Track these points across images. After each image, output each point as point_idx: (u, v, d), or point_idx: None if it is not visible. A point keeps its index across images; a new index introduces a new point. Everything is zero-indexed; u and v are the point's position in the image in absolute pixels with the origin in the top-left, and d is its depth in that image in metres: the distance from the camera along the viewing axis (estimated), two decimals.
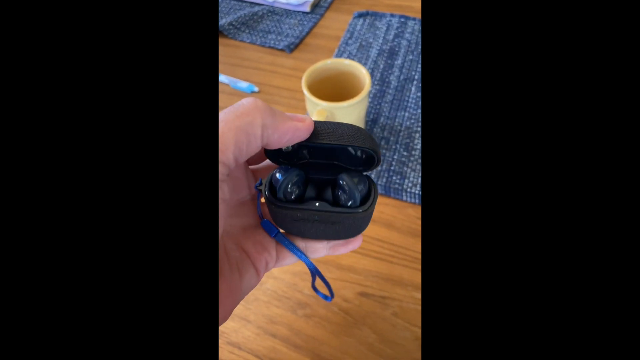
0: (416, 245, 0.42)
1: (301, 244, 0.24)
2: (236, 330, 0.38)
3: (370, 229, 0.43)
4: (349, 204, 0.21)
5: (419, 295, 0.39)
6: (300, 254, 0.23)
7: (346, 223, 0.21)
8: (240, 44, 0.67)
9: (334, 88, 0.48)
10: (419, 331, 0.37)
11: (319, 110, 0.43)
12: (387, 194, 0.46)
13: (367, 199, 0.21)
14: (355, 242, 0.24)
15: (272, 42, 0.66)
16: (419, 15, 0.68)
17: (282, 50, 0.65)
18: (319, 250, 0.24)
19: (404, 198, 0.46)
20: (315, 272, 0.24)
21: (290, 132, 0.19)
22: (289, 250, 0.23)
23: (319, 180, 0.23)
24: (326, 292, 0.39)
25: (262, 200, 0.24)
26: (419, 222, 0.44)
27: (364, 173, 0.22)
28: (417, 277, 0.40)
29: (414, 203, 0.45)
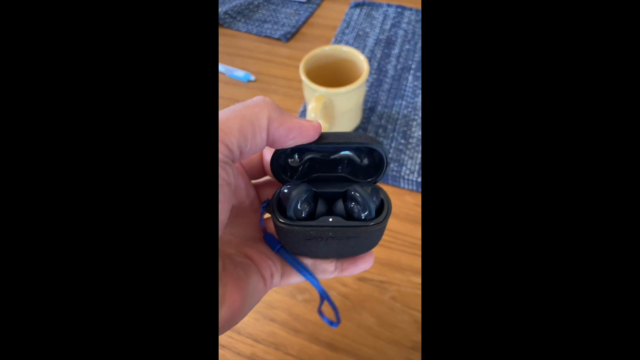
0: (414, 231, 0.42)
1: (308, 261, 0.22)
2: None
3: None
4: (363, 217, 0.20)
5: (417, 279, 0.39)
6: (307, 274, 0.21)
7: (361, 237, 0.20)
8: (236, 33, 0.67)
9: (332, 75, 0.48)
10: (417, 314, 0.37)
11: (317, 96, 0.43)
12: (384, 181, 0.46)
13: (382, 210, 0.20)
14: (367, 262, 0.22)
15: (268, 31, 0.66)
16: (415, 6, 0.68)
17: (278, 39, 0.65)
18: (327, 270, 0.22)
19: (402, 185, 0.46)
20: (323, 295, 0.22)
21: (297, 129, 0.19)
22: (295, 269, 0.22)
23: (329, 195, 0.21)
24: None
25: (266, 216, 0.23)
26: (417, 208, 0.44)
27: (375, 183, 0.22)
28: (415, 262, 0.40)
29: (412, 190, 0.46)
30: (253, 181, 0.25)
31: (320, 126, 0.20)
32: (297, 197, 0.20)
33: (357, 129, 0.51)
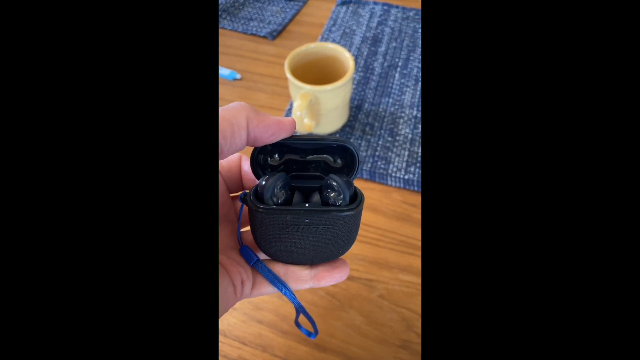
0: (401, 228, 0.42)
1: (281, 270, 0.22)
2: (221, 318, 0.37)
3: None
4: (339, 203, 0.20)
5: (405, 277, 0.39)
6: (283, 288, 0.21)
7: (337, 225, 0.20)
8: (221, 31, 0.66)
9: (318, 73, 0.48)
10: (405, 312, 0.37)
11: (302, 94, 0.42)
12: (372, 178, 0.46)
13: (355, 199, 0.21)
14: (342, 272, 0.22)
15: (254, 29, 0.65)
16: (401, 3, 0.68)
17: (264, 37, 0.64)
18: (302, 278, 0.22)
19: (389, 182, 0.46)
20: (299, 310, 0.22)
21: (275, 124, 0.20)
22: (270, 282, 0.21)
23: (305, 189, 0.22)
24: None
25: (243, 229, 0.23)
26: (404, 205, 0.44)
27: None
28: (403, 260, 0.40)
29: (399, 187, 0.45)
30: (233, 194, 0.25)
31: (294, 121, 0.21)
32: (274, 182, 0.20)
33: (344, 126, 0.50)
